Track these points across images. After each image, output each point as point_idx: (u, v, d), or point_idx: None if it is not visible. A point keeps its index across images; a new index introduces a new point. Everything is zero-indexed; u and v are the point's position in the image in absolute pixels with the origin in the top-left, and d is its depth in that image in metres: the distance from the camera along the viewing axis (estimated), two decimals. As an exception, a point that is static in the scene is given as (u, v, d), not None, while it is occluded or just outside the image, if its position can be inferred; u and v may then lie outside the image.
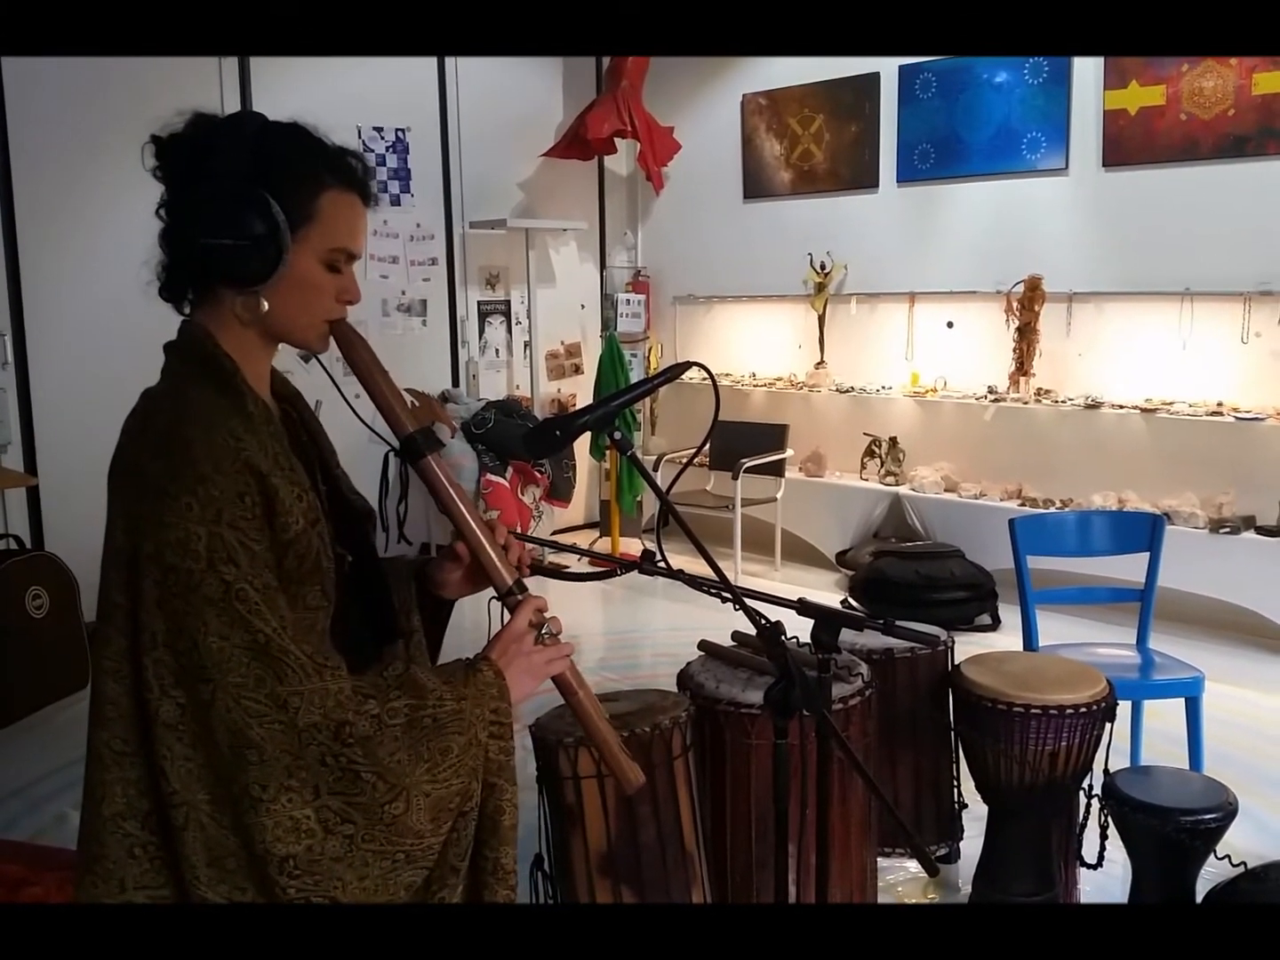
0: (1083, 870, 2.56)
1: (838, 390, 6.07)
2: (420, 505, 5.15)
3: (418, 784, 1.21)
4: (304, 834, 1.16)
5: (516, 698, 1.33)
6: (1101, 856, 2.46)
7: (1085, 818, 2.50)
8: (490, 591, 1.43)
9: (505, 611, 1.40)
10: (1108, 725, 2.44)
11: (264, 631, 1.18)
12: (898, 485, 5.72)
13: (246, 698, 1.16)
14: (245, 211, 1.23)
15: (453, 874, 1.27)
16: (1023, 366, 5.35)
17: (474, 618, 1.57)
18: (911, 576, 4.95)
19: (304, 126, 1.31)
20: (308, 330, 1.33)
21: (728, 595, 1.50)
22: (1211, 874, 2.29)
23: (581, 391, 6.83)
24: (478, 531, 1.39)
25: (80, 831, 1.24)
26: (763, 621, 1.49)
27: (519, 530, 5.59)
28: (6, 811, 3.36)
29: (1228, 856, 2.23)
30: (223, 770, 1.16)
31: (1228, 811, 2.22)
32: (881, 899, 2.53)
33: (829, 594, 5.47)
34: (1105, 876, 2.59)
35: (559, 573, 1.76)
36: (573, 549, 1.91)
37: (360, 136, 5.90)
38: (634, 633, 5.25)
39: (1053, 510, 5.03)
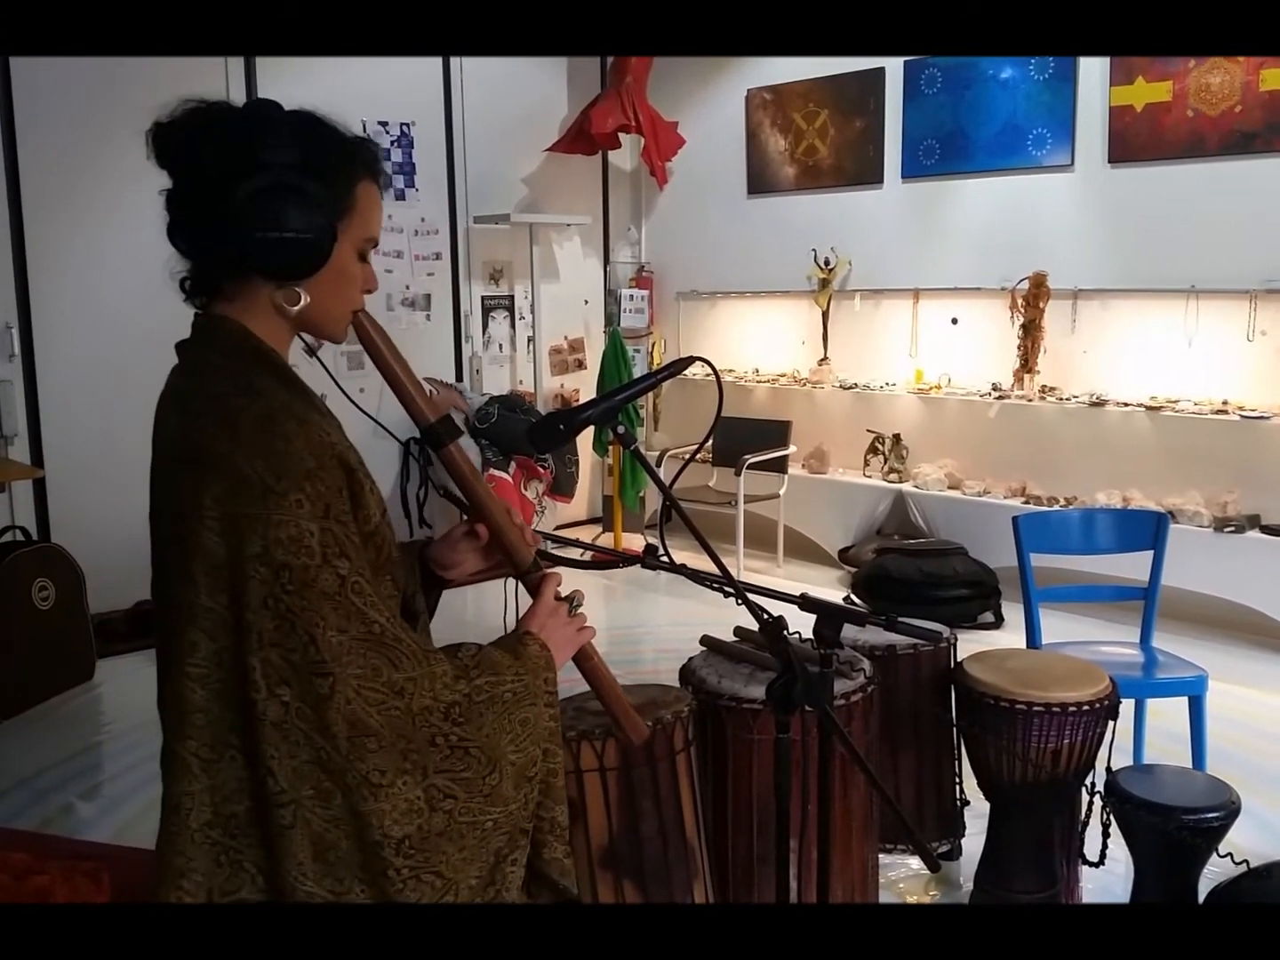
0: (1085, 868, 2.56)
1: (841, 387, 6.06)
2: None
3: (505, 755, 1.29)
4: (415, 813, 1.20)
5: (558, 666, 1.40)
6: (1104, 854, 2.46)
7: (1088, 815, 2.50)
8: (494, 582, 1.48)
9: (517, 592, 1.46)
10: (1110, 723, 2.44)
11: (378, 622, 1.20)
12: (901, 482, 5.71)
13: (367, 688, 1.18)
14: (301, 204, 1.22)
15: (523, 836, 1.34)
16: (1027, 363, 5.34)
17: (475, 609, 1.59)
18: (914, 574, 4.95)
19: (322, 115, 1.31)
20: (339, 322, 1.33)
21: (730, 590, 1.50)
22: (1214, 873, 2.29)
23: (584, 387, 6.83)
24: (500, 514, 1.43)
25: (161, 845, 1.22)
26: (765, 616, 1.49)
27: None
28: (13, 801, 3.37)
29: (1230, 855, 2.23)
30: (334, 762, 1.17)
31: (1230, 810, 2.22)
32: (883, 895, 2.53)
33: (831, 591, 5.46)
34: (1107, 874, 2.59)
35: (562, 559, 1.78)
36: (576, 543, 1.91)
37: (365, 130, 5.85)
38: (636, 628, 5.25)
39: (1057, 508, 5.02)
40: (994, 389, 5.52)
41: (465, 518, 1.49)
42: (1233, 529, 4.61)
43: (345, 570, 1.18)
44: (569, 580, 1.43)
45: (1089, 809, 2.49)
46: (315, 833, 1.18)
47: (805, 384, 6.26)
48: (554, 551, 1.64)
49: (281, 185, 1.21)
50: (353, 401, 1.46)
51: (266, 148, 1.22)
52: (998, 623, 4.98)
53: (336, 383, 1.48)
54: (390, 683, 1.20)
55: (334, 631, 1.17)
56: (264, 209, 1.21)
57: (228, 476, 1.17)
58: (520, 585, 1.47)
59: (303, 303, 1.27)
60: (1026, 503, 5.23)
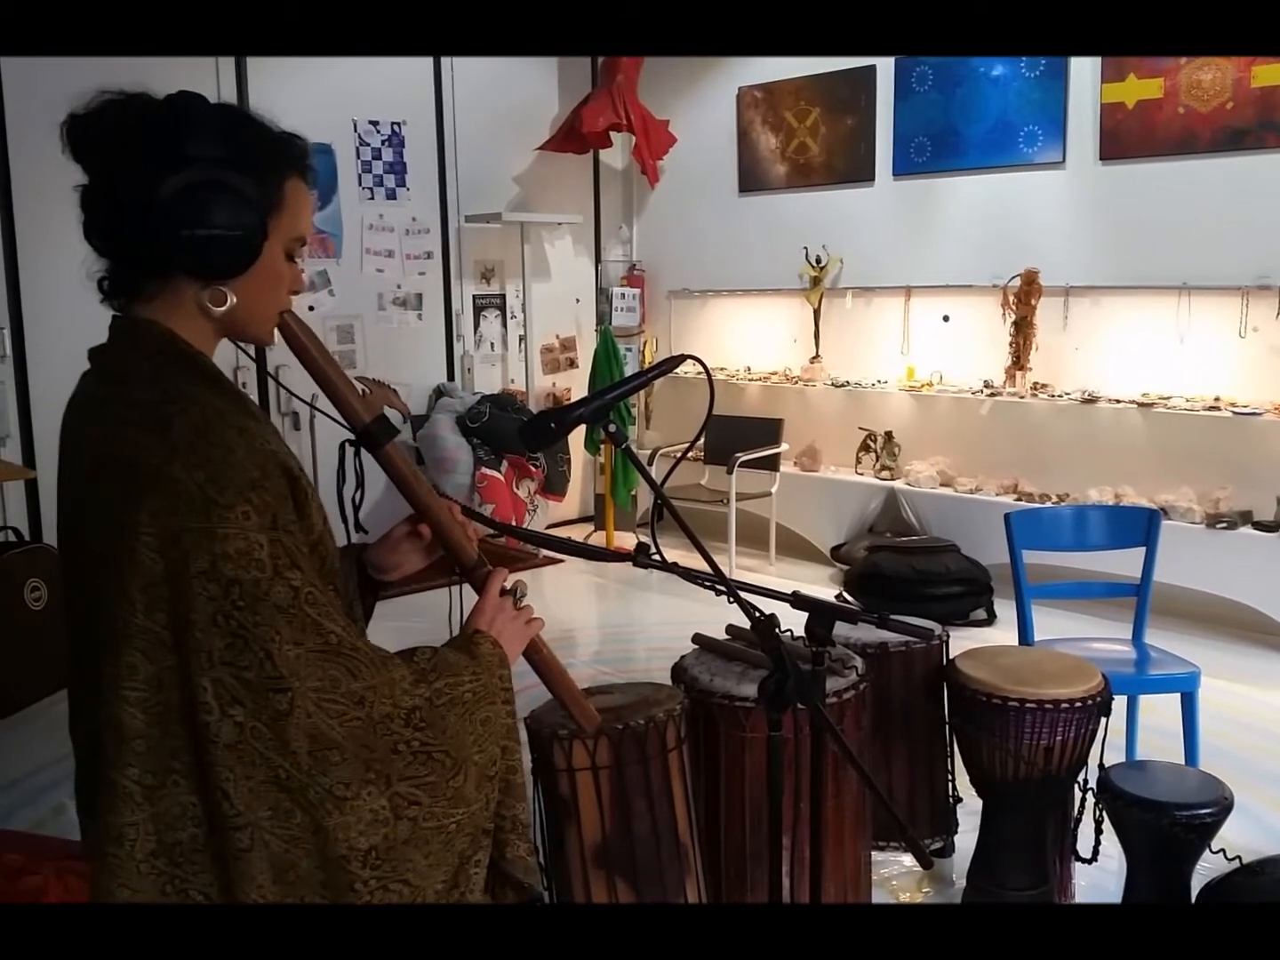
0: (1077, 865, 2.57)
1: (833, 384, 6.07)
2: (382, 493, 5.14)
3: (470, 756, 1.27)
4: (380, 823, 1.18)
5: (511, 661, 1.38)
6: (1096, 851, 2.46)
7: (1080, 812, 2.50)
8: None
9: (462, 594, 1.44)
10: (1103, 720, 2.44)
11: (334, 632, 1.17)
12: (893, 480, 5.71)
13: (326, 700, 1.15)
14: (230, 201, 1.17)
15: (485, 836, 1.32)
16: (1019, 361, 5.35)
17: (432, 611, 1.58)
18: (907, 571, 4.95)
19: (248, 109, 1.27)
20: (265, 323, 1.28)
21: (722, 588, 1.49)
22: (1206, 869, 2.30)
23: (576, 385, 6.82)
24: (442, 512, 1.42)
25: (103, 877, 1.16)
26: (757, 614, 1.48)
27: (514, 523, 5.58)
28: (6, 802, 3.36)
29: (1223, 851, 2.24)
30: (293, 780, 1.14)
31: (1223, 806, 2.22)
32: (875, 893, 2.53)
33: (824, 589, 5.46)
34: (1100, 871, 2.59)
35: (568, 545, 1.77)
36: (567, 542, 1.90)
37: (356, 130, 5.88)
38: (628, 627, 5.24)
39: (1049, 505, 5.03)
40: (986, 386, 5.52)
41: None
42: (1225, 525, 4.62)
43: (298, 581, 1.15)
44: (558, 584, 1.43)
45: (1082, 806, 2.49)
46: (274, 854, 1.15)
47: (797, 382, 6.26)
48: (548, 555, 1.64)
49: (210, 181, 1.16)
50: (308, 403, 1.40)
51: (194, 141, 1.17)
52: (990, 620, 4.99)
53: (283, 386, 1.43)
54: (350, 693, 1.17)
55: (290, 645, 1.13)
56: (192, 205, 1.16)
57: (165, 490, 1.12)
58: (464, 589, 1.45)
59: (229, 304, 1.22)
60: (1019, 500, 5.23)
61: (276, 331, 1.30)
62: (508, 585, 1.43)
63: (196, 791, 1.16)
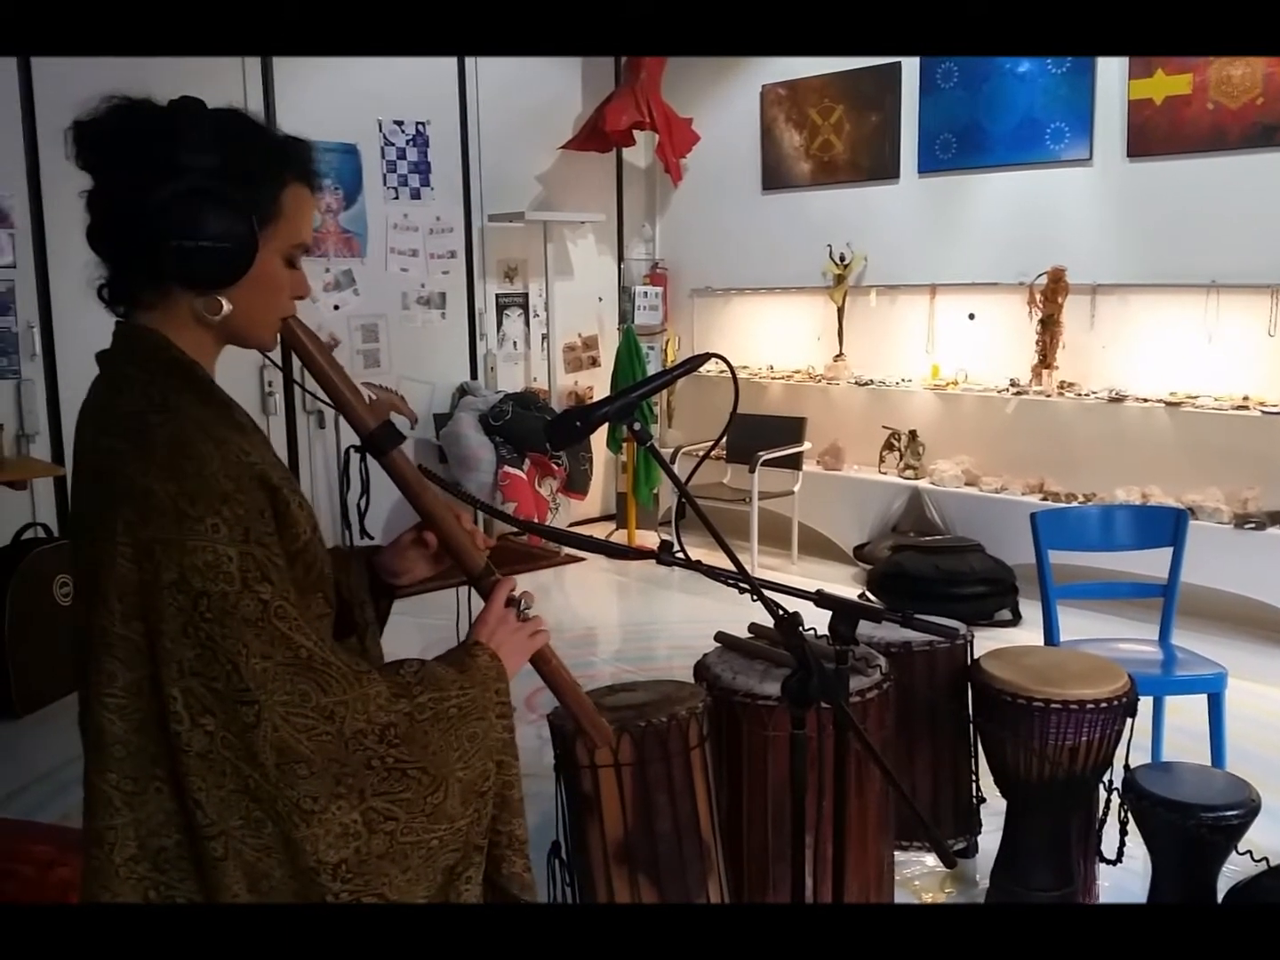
0: (1102, 866, 2.55)
1: (856, 383, 6.05)
2: (387, 499, 5.16)
3: (453, 772, 1.24)
4: (352, 837, 1.16)
5: (510, 675, 1.36)
6: (1121, 852, 2.45)
7: (1105, 813, 2.49)
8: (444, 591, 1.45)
9: (470, 600, 1.42)
10: (1129, 721, 2.43)
11: (305, 646, 1.16)
12: (917, 479, 5.69)
13: (294, 714, 1.15)
14: (221, 211, 1.17)
15: (477, 852, 1.30)
16: (1045, 359, 5.31)
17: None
18: (931, 571, 4.93)
19: (251, 115, 1.26)
20: (265, 330, 1.28)
21: (745, 586, 1.49)
22: (1233, 871, 2.28)
23: (598, 384, 6.83)
24: (448, 519, 1.40)
25: (88, 880, 1.18)
26: (780, 612, 1.48)
27: (536, 521, 5.60)
28: (35, 794, 3.41)
29: (1249, 853, 2.22)
30: (263, 790, 1.14)
31: (1250, 808, 2.20)
32: (898, 892, 2.52)
33: (846, 588, 5.45)
34: (1125, 872, 2.58)
35: (591, 543, 1.77)
36: (590, 540, 1.90)
37: (381, 130, 5.91)
38: (650, 625, 5.25)
39: (1075, 505, 4.99)
40: (1012, 385, 5.49)
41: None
42: (1253, 525, 4.58)
43: (268, 595, 1.15)
44: (580, 582, 1.41)
45: (1106, 806, 2.48)
46: (247, 863, 1.15)
47: (820, 380, 6.24)
48: (569, 554, 1.63)
49: (201, 190, 1.16)
50: (329, 403, 1.38)
51: (187, 150, 1.17)
52: (1015, 620, 4.96)
53: (304, 387, 1.42)
54: (319, 707, 1.16)
55: (257, 658, 1.13)
56: (181, 215, 1.16)
57: (140, 500, 1.13)
58: (472, 592, 1.43)
59: (224, 311, 1.21)
60: (1044, 499, 5.20)
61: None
62: (515, 595, 1.40)
63: (177, 799, 1.16)
